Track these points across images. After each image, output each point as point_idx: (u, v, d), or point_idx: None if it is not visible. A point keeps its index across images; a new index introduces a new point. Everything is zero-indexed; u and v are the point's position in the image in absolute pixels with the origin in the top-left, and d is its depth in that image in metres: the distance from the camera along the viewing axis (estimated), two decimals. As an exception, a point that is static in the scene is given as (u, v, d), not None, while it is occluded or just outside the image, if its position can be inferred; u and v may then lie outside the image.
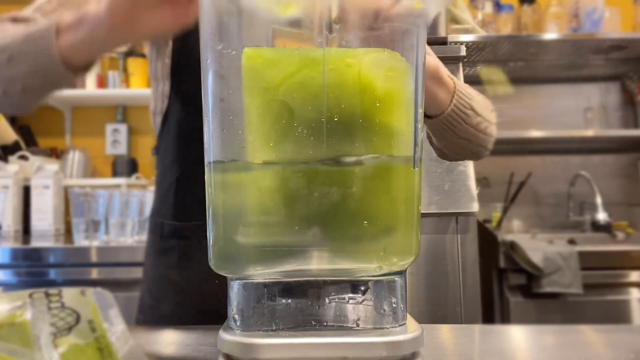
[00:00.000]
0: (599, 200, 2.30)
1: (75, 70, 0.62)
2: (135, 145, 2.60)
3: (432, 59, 0.71)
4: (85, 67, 0.64)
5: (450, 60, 1.62)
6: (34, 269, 1.64)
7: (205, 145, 0.45)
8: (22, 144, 2.29)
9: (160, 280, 0.86)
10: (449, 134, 0.78)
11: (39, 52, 0.60)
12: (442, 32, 1.78)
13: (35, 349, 0.33)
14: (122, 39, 0.60)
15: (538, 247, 1.88)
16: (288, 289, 0.43)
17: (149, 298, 0.88)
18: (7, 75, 0.63)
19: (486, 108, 0.82)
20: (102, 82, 2.48)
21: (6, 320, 0.33)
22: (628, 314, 1.87)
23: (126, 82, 2.48)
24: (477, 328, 0.69)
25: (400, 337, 0.41)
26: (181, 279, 0.81)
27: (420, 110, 0.46)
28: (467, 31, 2.06)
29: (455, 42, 1.77)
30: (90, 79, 2.46)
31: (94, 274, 1.64)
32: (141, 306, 0.89)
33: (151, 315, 0.86)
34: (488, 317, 1.87)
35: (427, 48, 0.66)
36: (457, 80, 0.76)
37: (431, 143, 0.88)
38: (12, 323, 0.33)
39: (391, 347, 0.41)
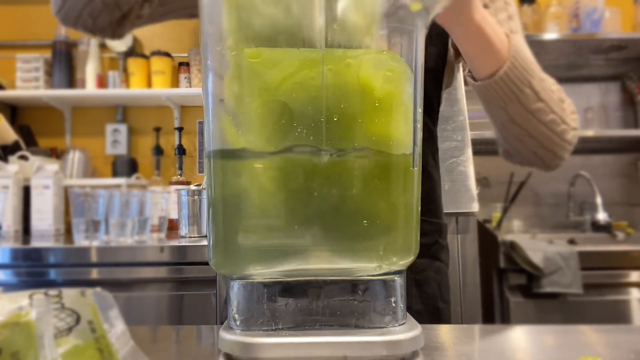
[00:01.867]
0: (599, 200, 2.30)
1: None
2: (135, 145, 2.60)
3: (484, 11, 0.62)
4: None
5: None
6: (34, 269, 1.64)
7: (205, 145, 0.45)
8: (22, 144, 2.29)
9: None
10: (499, 111, 0.68)
11: None
12: (442, 32, 1.77)
13: (38, 349, 0.33)
14: None
15: (538, 247, 1.88)
16: (288, 288, 0.43)
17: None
18: None
19: (558, 102, 0.71)
20: (102, 82, 2.48)
21: (11, 320, 0.33)
22: (628, 314, 1.87)
23: (126, 82, 2.48)
24: (477, 328, 0.69)
25: (400, 337, 0.41)
26: None
27: (420, 110, 0.46)
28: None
29: (455, 42, 1.77)
30: (90, 79, 2.46)
31: (94, 274, 1.64)
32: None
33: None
34: (488, 317, 1.87)
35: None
36: (517, 49, 0.66)
37: (496, 137, 0.78)
38: (17, 323, 0.33)
39: (391, 346, 0.41)
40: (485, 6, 0.81)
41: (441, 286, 0.91)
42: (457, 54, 0.89)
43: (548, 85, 0.71)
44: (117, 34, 0.78)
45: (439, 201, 0.96)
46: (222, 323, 0.89)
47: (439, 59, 0.88)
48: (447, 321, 0.90)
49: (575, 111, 0.76)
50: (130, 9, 0.74)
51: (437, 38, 0.86)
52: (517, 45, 0.67)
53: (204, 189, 1.69)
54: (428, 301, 0.88)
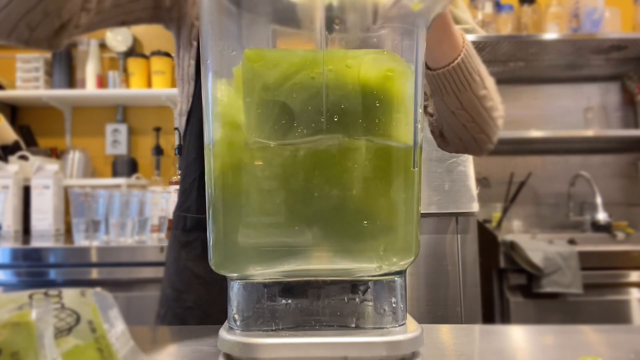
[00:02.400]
0: (599, 200, 2.30)
1: None
2: (135, 145, 2.60)
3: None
4: None
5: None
6: (34, 269, 1.64)
7: (205, 145, 0.45)
8: (22, 144, 2.29)
9: (183, 272, 0.87)
10: (452, 99, 0.75)
11: None
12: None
13: (38, 349, 0.33)
14: None
15: (538, 247, 1.88)
16: (288, 288, 0.43)
17: (172, 291, 0.89)
18: None
19: (495, 90, 0.79)
20: (102, 82, 2.48)
21: (11, 320, 0.33)
22: (628, 314, 1.87)
23: (126, 82, 2.48)
24: (477, 328, 0.69)
25: (400, 337, 0.41)
26: (204, 271, 0.82)
27: (420, 110, 0.46)
28: (467, 31, 2.06)
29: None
30: (90, 79, 2.46)
31: (94, 274, 1.64)
32: (163, 299, 0.90)
33: (173, 307, 0.87)
34: (488, 317, 1.87)
35: None
36: (468, 41, 0.74)
37: (432, 129, 0.85)
38: (17, 323, 0.33)
39: (391, 346, 0.41)
40: None
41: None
42: None
43: (487, 73, 0.78)
44: (54, 45, 0.75)
45: None
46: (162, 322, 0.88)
47: None
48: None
49: (501, 100, 0.83)
50: (70, 18, 0.71)
51: None
52: (466, 38, 0.74)
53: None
54: None
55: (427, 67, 0.73)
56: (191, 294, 0.84)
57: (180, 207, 0.92)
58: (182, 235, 0.89)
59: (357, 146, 0.42)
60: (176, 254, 0.89)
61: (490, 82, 0.78)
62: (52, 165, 2.16)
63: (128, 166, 2.50)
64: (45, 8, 0.68)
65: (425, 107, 0.86)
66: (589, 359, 0.47)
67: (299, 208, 0.42)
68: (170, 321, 0.86)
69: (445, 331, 0.62)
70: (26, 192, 2.09)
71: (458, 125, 0.80)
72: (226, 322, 0.45)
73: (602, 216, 2.29)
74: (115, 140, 2.55)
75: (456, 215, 1.68)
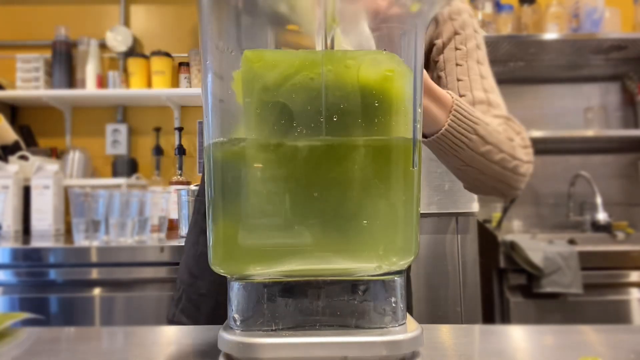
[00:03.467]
0: (599, 200, 2.30)
1: None
2: (135, 145, 2.60)
3: None
4: None
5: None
6: (34, 269, 1.64)
7: (205, 146, 0.45)
8: (22, 144, 2.29)
9: (200, 257, 0.89)
10: (452, 159, 0.74)
11: None
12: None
13: None
14: None
15: (538, 247, 1.88)
16: (288, 288, 0.43)
17: (188, 276, 0.91)
18: None
19: (506, 140, 0.76)
20: (102, 82, 2.48)
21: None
22: (628, 314, 1.87)
23: (126, 82, 2.48)
24: (477, 328, 0.69)
25: (400, 337, 0.41)
26: None
27: (419, 110, 0.46)
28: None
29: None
30: (90, 79, 2.46)
31: (94, 274, 1.64)
32: (179, 283, 0.92)
33: (188, 292, 0.89)
34: (488, 317, 1.87)
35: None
36: (458, 101, 0.72)
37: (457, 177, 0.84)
38: None
39: (391, 346, 0.41)
40: (456, 33, 0.87)
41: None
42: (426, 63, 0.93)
43: (493, 127, 0.76)
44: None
45: None
46: (170, 322, 0.90)
47: None
48: None
49: (528, 145, 0.81)
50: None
51: None
52: (457, 99, 0.72)
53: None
54: None
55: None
56: (205, 280, 0.86)
57: (202, 193, 0.94)
58: (203, 221, 0.90)
59: (357, 146, 0.42)
60: (195, 239, 0.91)
61: (495, 135, 0.75)
62: (52, 165, 2.16)
63: (128, 166, 2.50)
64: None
65: None
66: (589, 359, 0.47)
67: (299, 208, 0.42)
68: (184, 306, 0.88)
69: (445, 331, 0.62)
70: (26, 192, 2.09)
71: (469, 178, 0.79)
72: (226, 322, 0.45)
73: (602, 216, 2.29)
74: (115, 140, 2.55)
75: (456, 215, 1.68)
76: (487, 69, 0.87)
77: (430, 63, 0.89)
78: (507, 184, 0.78)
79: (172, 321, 0.90)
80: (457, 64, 0.85)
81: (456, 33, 0.87)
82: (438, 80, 0.87)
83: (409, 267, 0.94)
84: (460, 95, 0.82)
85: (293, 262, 0.42)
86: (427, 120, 0.70)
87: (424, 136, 0.73)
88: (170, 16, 2.66)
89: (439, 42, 0.88)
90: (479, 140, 0.73)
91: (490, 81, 0.86)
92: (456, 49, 0.86)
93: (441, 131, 0.71)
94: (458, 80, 0.84)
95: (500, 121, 0.80)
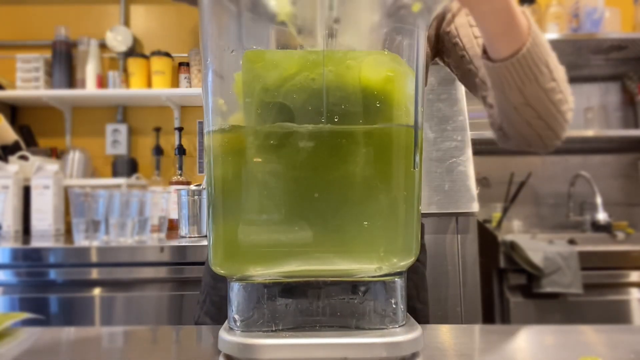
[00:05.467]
0: (599, 200, 2.30)
1: None
2: (135, 145, 2.60)
3: None
4: None
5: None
6: (34, 269, 1.64)
7: (205, 145, 0.45)
8: (22, 144, 2.29)
9: None
10: (515, 93, 0.67)
11: None
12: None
13: None
14: None
15: (538, 247, 1.88)
16: (288, 289, 0.43)
17: (210, 278, 0.91)
18: None
19: (565, 80, 0.71)
20: (102, 82, 2.48)
21: None
22: (628, 314, 1.87)
23: (126, 82, 2.48)
24: (477, 328, 0.69)
25: (400, 338, 0.41)
26: None
27: (421, 110, 0.46)
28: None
29: (455, 42, 1.77)
30: (90, 79, 2.46)
31: (94, 274, 1.64)
32: (203, 286, 0.93)
33: (211, 294, 0.89)
34: (488, 317, 1.87)
35: None
36: (535, 27, 0.65)
37: (491, 121, 0.78)
38: None
39: (391, 347, 0.41)
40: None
41: (418, 287, 0.92)
42: (434, 54, 0.89)
43: (557, 62, 0.70)
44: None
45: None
46: (196, 323, 0.91)
47: None
48: (424, 322, 0.90)
49: (571, 91, 0.75)
50: None
51: None
52: (533, 24, 0.66)
53: (204, 189, 1.69)
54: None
55: (487, 58, 0.67)
56: (226, 282, 0.86)
57: None
58: None
59: (357, 147, 0.42)
60: None
61: (560, 72, 0.70)
62: (52, 165, 2.16)
63: (128, 166, 2.50)
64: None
65: (485, 98, 0.79)
66: (589, 359, 0.47)
67: (299, 209, 0.42)
68: (209, 308, 0.89)
69: (445, 331, 0.62)
70: (26, 192, 2.09)
71: (521, 122, 0.73)
72: (226, 322, 0.45)
73: (602, 216, 2.29)
74: (115, 140, 2.55)
75: (456, 215, 1.68)
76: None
77: (440, 37, 0.84)
78: (554, 131, 0.73)
79: (197, 323, 0.91)
80: (471, 25, 0.81)
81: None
82: (454, 46, 0.82)
83: (425, 266, 0.95)
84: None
85: (293, 263, 0.42)
86: (499, 44, 0.64)
87: (492, 61, 0.67)
88: (170, 16, 2.65)
89: (449, 15, 0.84)
90: (548, 74, 0.67)
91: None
92: (467, 14, 0.82)
93: (516, 56, 0.64)
94: (475, 37, 0.79)
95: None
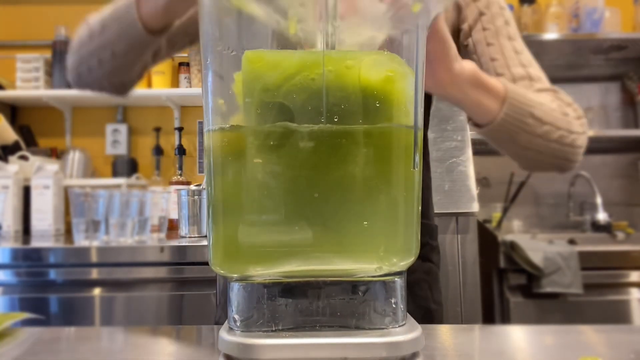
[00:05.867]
0: (599, 200, 2.30)
1: (154, 33, 0.72)
2: (135, 145, 2.60)
3: (468, 64, 0.67)
4: (162, 30, 0.74)
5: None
6: (34, 269, 1.64)
7: (205, 145, 0.45)
8: (22, 144, 2.29)
9: None
10: (509, 145, 0.73)
11: (124, 18, 0.72)
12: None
13: None
14: (186, 5, 0.70)
15: (538, 247, 1.88)
16: (288, 289, 0.43)
17: (224, 297, 0.92)
18: (99, 43, 0.76)
19: (561, 116, 0.75)
20: (102, 82, 2.48)
21: None
22: (628, 314, 1.87)
23: (126, 82, 2.47)
24: (477, 328, 0.69)
25: (400, 338, 0.41)
26: None
27: (421, 110, 0.46)
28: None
29: (455, 42, 1.77)
30: (90, 79, 2.45)
31: (94, 274, 1.64)
32: (219, 303, 0.94)
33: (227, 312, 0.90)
34: (488, 317, 1.87)
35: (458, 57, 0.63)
36: (511, 86, 0.71)
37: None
38: None
39: (391, 347, 0.41)
40: (481, 13, 0.85)
41: (432, 288, 0.92)
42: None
43: (547, 105, 0.74)
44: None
45: (429, 202, 0.99)
46: (216, 323, 0.92)
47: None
48: (439, 322, 0.91)
49: (581, 115, 0.78)
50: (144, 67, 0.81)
51: None
52: (509, 85, 0.71)
53: (204, 189, 1.69)
54: (419, 303, 0.88)
55: (474, 124, 0.72)
56: None
57: None
58: None
59: (357, 147, 0.42)
60: None
61: (552, 113, 0.73)
62: (52, 165, 2.16)
63: (128, 166, 2.50)
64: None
65: None
66: (589, 359, 0.47)
67: (299, 209, 0.42)
68: (224, 311, 0.88)
69: (445, 331, 0.62)
70: (26, 192, 2.09)
71: (528, 160, 0.78)
72: (226, 322, 0.45)
73: (602, 216, 2.29)
74: (115, 140, 2.55)
75: (456, 215, 1.68)
76: (520, 44, 0.85)
77: (460, 49, 0.86)
78: (565, 159, 0.77)
79: (217, 323, 0.92)
80: (487, 44, 0.83)
81: (481, 14, 0.85)
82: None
83: (438, 267, 0.96)
84: (498, 75, 0.80)
85: (293, 263, 0.42)
86: (480, 111, 0.69)
87: (478, 126, 0.72)
88: (170, 16, 2.65)
89: (465, 26, 0.85)
90: (536, 123, 0.71)
91: (527, 55, 0.84)
92: (484, 29, 0.84)
93: (496, 121, 0.69)
94: (492, 60, 0.82)
95: (551, 97, 0.78)
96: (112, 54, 0.76)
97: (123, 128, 2.56)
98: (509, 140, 0.72)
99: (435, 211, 1.66)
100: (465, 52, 0.86)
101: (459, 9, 0.86)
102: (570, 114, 0.77)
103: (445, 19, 0.83)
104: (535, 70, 0.82)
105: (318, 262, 0.42)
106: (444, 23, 0.59)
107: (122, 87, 0.85)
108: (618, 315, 1.86)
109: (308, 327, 0.43)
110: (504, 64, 0.81)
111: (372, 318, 0.43)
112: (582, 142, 0.78)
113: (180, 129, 2.36)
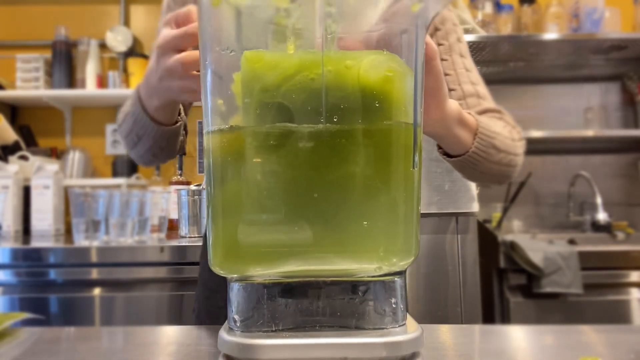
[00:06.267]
0: (599, 200, 2.30)
1: (161, 122, 0.79)
2: (135, 145, 2.60)
3: (454, 103, 0.70)
4: (176, 121, 0.84)
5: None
6: (34, 269, 1.64)
7: (205, 145, 0.45)
8: (22, 144, 2.29)
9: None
10: (470, 171, 0.78)
11: (136, 112, 0.80)
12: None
13: None
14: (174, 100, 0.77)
15: (538, 247, 1.88)
16: (288, 289, 0.43)
17: (204, 289, 0.93)
18: (126, 128, 0.83)
19: (510, 142, 0.81)
20: (102, 82, 2.48)
21: None
22: (628, 314, 1.87)
23: (126, 82, 2.48)
24: (477, 328, 0.69)
25: (400, 338, 0.41)
26: None
27: (420, 110, 0.46)
28: (467, 31, 2.06)
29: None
30: (90, 79, 2.46)
31: (94, 274, 1.64)
32: (197, 296, 0.95)
33: (206, 306, 0.92)
34: (488, 317, 1.87)
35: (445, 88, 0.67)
36: (479, 119, 0.76)
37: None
38: None
39: (391, 347, 0.41)
40: (436, 29, 0.90)
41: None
42: None
43: (504, 135, 0.80)
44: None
45: None
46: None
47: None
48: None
49: (522, 136, 0.87)
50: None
51: None
52: (479, 118, 0.76)
53: (204, 189, 1.69)
54: None
55: (448, 155, 0.77)
56: (223, 293, 0.87)
57: None
58: None
59: (357, 147, 0.42)
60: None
61: (505, 142, 0.79)
62: (52, 165, 2.16)
63: (128, 166, 2.50)
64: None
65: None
66: (589, 359, 0.47)
67: (299, 209, 0.42)
68: (204, 319, 0.91)
69: (445, 331, 0.62)
70: (26, 192, 2.09)
71: (475, 178, 0.84)
72: (226, 322, 0.45)
73: (602, 216, 2.29)
74: (115, 140, 2.55)
75: (456, 215, 1.68)
76: (470, 62, 0.89)
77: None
78: (506, 177, 0.83)
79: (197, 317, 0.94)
80: (441, 59, 0.86)
81: (436, 29, 0.89)
82: (445, 76, 0.89)
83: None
84: (450, 90, 0.85)
85: (293, 263, 0.42)
86: (456, 146, 0.74)
87: (449, 156, 0.77)
88: (170, 16, 2.65)
89: (445, 43, 0.89)
90: (495, 152, 0.77)
91: (476, 73, 0.89)
92: (438, 44, 0.88)
93: (468, 153, 0.74)
94: (445, 74, 0.85)
95: (501, 123, 0.83)
96: (136, 136, 0.83)
97: (123, 128, 2.56)
98: (471, 167, 0.77)
99: (435, 211, 1.66)
100: (443, 64, 0.90)
101: None
102: (515, 137, 0.83)
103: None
104: (483, 88, 0.88)
105: (318, 262, 0.42)
106: (439, 60, 0.60)
107: (166, 158, 0.93)
108: (618, 315, 1.86)
109: (308, 327, 0.43)
110: (456, 80, 0.87)
111: (372, 318, 0.43)
112: (520, 160, 0.85)
113: (180, 129, 2.35)
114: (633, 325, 1.77)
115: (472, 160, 0.75)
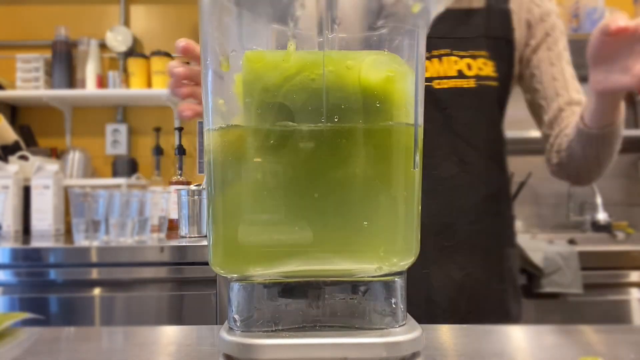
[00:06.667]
0: (599, 200, 2.30)
1: None
2: (135, 145, 2.60)
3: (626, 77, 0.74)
4: None
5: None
6: (34, 269, 1.64)
7: (205, 145, 0.45)
8: (22, 144, 2.29)
9: None
10: (591, 151, 0.85)
11: None
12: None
13: None
14: None
15: (538, 247, 1.88)
16: (288, 289, 0.43)
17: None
18: None
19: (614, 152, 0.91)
20: (102, 82, 2.48)
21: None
22: (628, 314, 1.87)
23: (126, 82, 2.48)
24: (477, 328, 0.69)
25: (400, 338, 0.41)
26: None
27: (421, 110, 0.46)
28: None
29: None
30: (90, 79, 2.46)
31: (94, 274, 1.64)
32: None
33: None
34: (488, 317, 1.87)
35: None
36: (622, 114, 0.84)
37: (550, 156, 0.94)
38: None
39: (391, 347, 0.41)
40: (547, 34, 0.96)
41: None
42: (519, 78, 1.01)
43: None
44: None
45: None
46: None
47: (508, 69, 0.99)
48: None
49: None
50: None
51: (506, 52, 0.97)
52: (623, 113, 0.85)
53: (204, 189, 1.69)
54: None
55: (584, 124, 0.83)
56: None
57: None
58: None
59: (357, 147, 0.42)
60: None
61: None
62: (52, 165, 2.16)
63: (128, 166, 2.50)
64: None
65: (548, 137, 0.96)
66: (589, 359, 0.47)
67: (299, 209, 0.42)
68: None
69: (445, 331, 0.62)
70: (26, 192, 2.09)
71: (582, 169, 0.90)
72: (226, 322, 0.45)
73: (602, 216, 2.29)
74: (115, 140, 2.55)
75: (456, 215, 1.67)
76: (573, 70, 0.95)
77: (523, 61, 0.97)
78: (600, 175, 0.93)
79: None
80: (551, 64, 0.94)
81: (547, 35, 0.95)
82: (531, 77, 0.95)
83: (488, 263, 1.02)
84: (557, 95, 0.92)
85: (293, 263, 0.42)
86: (607, 117, 0.83)
87: (587, 127, 0.83)
88: (170, 16, 2.65)
89: (533, 42, 0.95)
90: (618, 143, 0.88)
91: (577, 81, 0.95)
92: (548, 49, 0.95)
93: (612, 126, 0.83)
94: (554, 79, 0.93)
95: None
96: None
97: (123, 128, 2.56)
98: (598, 146, 0.85)
99: (435, 211, 1.66)
100: (527, 65, 0.95)
101: (529, 26, 0.97)
102: None
103: (518, 34, 0.96)
104: (583, 97, 0.94)
105: (318, 262, 0.42)
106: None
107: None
108: (618, 315, 1.86)
109: (308, 327, 0.43)
110: (564, 86, 0.93)
111: (372, 318, 0.43)
112: (603, 173, 0.96)
113: (180, 129, 2.35)
114: (633, 325, 1.77)
115: (607, 139, 0.84)
